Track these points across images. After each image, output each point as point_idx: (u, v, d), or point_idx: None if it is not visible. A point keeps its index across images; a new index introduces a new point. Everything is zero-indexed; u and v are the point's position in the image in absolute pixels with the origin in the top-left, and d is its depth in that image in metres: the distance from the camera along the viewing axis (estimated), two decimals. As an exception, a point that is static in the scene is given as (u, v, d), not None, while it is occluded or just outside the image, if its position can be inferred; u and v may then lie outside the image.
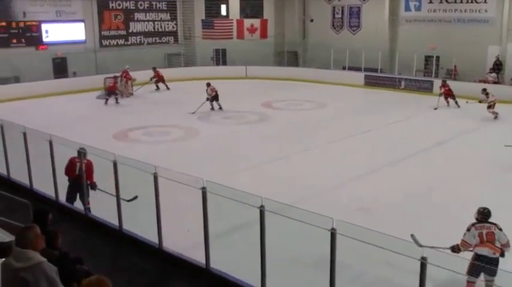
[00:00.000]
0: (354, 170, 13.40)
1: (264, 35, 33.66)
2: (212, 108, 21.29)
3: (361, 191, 11.91)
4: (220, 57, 32.88)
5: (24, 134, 10.92)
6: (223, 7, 33.32)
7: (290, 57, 32.55)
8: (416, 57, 26.50)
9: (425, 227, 9.45)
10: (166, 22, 32.88)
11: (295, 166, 13.55)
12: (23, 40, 26.38)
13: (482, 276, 6.80)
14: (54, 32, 27.38)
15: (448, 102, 21.97)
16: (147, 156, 11.59)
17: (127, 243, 8.79)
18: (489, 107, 19.47)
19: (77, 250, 6.83)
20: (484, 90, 19.99)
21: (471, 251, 6.96)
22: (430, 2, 27.88)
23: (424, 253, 5.16)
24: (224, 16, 33.37)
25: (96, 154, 9.04)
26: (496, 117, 19.27)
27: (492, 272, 6.61)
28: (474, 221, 7.14)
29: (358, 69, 28.49)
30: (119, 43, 30.65)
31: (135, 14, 31.34)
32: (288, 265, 8.07)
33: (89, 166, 9.84)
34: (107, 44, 30.14)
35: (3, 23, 25.69)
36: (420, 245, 7.10)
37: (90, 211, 9.52)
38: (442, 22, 27.60)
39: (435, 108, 21.49)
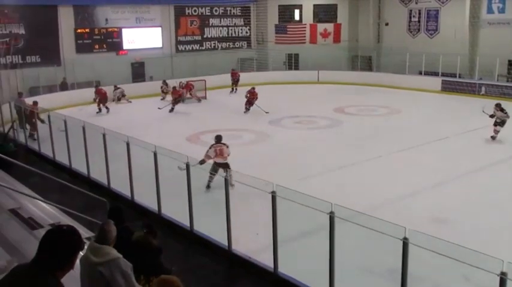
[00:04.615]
0: (429, 178, 12.91)
1: (337, 39, 33.31)
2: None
3: (436, 200, 11.45)
4: (293, 62, 32.90)
5: (104, 135, 11.47)
6: (296, 12, 33.33)
7: (364, 62, 31.99)
8: (498, 61, 25.22)
9: (503, 239, 8.96)
10: (240, 27, 33.37)
11: (367, 173, 13.27)
12: (104, 46, 27.75)
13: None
14: (134, 38, 28.56)
15: (247, 108, 21.76)
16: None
17: (197, 244, 8.98)
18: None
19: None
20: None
21: (211, 161, 11.37)
22: (515, 3, 26.48)
23: (504, 267, 4.87)
24: (297, 21, 33.36)
25: (171, 156, 9.31)
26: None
27: (225, 170, 10.38)
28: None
29: (435, 74, 27.53)
30: (194, 48, 31.45)
31: (210, 19, 32.07)
32: (357, 274, 7.89)
33: None
34: (183, 49, 31.01)
35: (87, 30, 27.16)
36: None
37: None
38: (527, 24, 26.12)
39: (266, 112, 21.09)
